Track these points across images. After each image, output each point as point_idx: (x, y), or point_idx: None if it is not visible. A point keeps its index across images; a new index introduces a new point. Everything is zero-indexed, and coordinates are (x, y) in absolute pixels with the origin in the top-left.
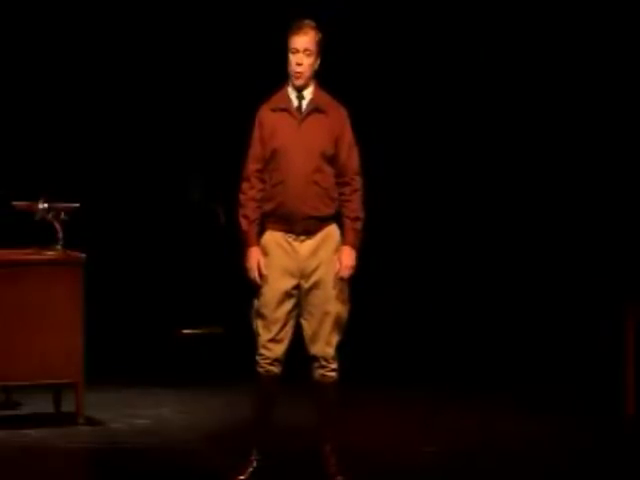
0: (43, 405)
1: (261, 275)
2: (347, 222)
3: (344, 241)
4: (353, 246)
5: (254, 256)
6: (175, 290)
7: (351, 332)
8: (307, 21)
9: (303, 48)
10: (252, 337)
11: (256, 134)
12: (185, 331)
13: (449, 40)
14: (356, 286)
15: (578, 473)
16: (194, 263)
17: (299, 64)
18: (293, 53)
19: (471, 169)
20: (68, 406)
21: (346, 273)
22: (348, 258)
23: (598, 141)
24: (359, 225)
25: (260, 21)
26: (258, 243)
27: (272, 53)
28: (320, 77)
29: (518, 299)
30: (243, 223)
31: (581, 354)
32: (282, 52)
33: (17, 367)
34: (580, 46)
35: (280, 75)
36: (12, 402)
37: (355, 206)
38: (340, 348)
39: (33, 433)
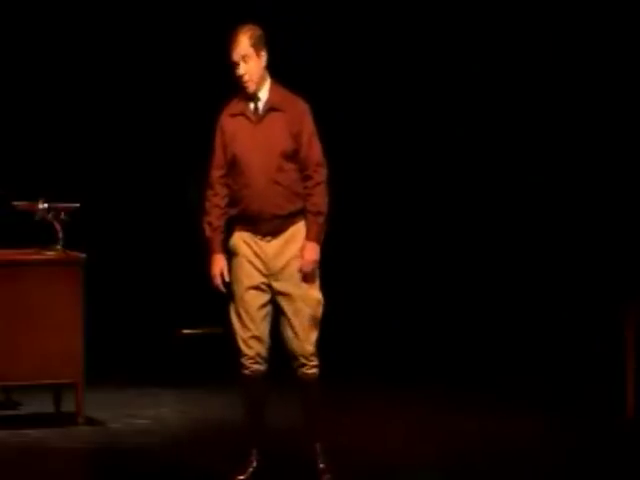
0: (43, 405)
1: (224, 283)
2: (309, 217)
3: (307, 236)
4: (316, 240)
5: (217, 263)
6: (175, 290)
7: (352, 332)
8: (237, 29)
9: (239, 57)
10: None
11: (217, 140)
12: (185, 331)
13: (439, 36)
14: (357, 286)
15: (578, 474)
16: (194, 263)
17: (241, 75)
18: (234, 67)
19: (471, 168)
20: (68, 406)
21: (308, 268)
22: (310, 253)
23: (597, 142)
24: (321, 219)
25: (259, 23)
26: (222, 250)
27: (271, 54)
28: (318, 76)
29: (518, 300)
30: (207, 229)
31: (581, 355)
32: (280, 52)
33: (17, 367)
34: (579, 46)
35: (279, 76)
36: (12, 402)
37: (317, 200)
38: (341, 348)
39: (33, 433)
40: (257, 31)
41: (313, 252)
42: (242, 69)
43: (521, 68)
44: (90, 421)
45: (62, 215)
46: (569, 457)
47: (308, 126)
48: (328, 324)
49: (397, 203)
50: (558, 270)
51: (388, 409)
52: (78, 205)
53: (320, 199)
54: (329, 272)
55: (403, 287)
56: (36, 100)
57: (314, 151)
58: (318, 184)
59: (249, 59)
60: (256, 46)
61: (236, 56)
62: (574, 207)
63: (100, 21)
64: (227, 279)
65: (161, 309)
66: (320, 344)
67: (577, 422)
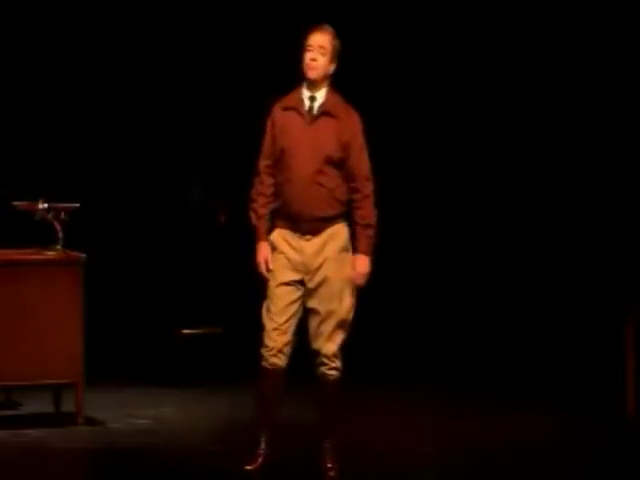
0: (43, 405)
1: (268, 270)
2: (359, 229)
3: (357, 249)
4: (366, 253)
5: (262, 251)
6: (175, 290)
7: (354, 332)
8: (326, 25)
9: (318, 45)
10: (252, 337)
11: (268, 131)
12: (185, 331)
13: (449, 41)
14: (362, 287)
15: (578, 474)
16: (194, 263)
17: (313, 59)
18: (308, 50)
19: (473, 171)
20: (68, 406)
21: (361, 280)
22: (363, 266)
23: (599, 145)
24: (371, 232)
25: (262, 26)
26: (266, 238)
27: (274, 55)
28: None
29: (519, 300)
30: (252, 217)
31: (581, 354)
32: (283, 55)
33: (17, 367)
34: (580, 47)
35: (281, 78)
36: (12, 402)
37: (366, 212)
38: (344, 347)
39: (33, 433)
40: (340, 42)
41: (365, 265)
42: (315, 55)
43: (525, 69)
44: (90, 421)
45: (62, 215)
46: (570, 457)
47: (359, 138)
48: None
49: (400, 204)
50: (560, 271)
51: (393, 410)
52: (78, 205)
53: (369, 212)
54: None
55: (408, 289)
56: (36, 100)
57: (363, 165)
58: (366, 197)
59: (325, 53)
60: (334, 49)
61: (315, 41)
62: (576, 210)
63: (100, 21)
64: (272, 267)
65: (161, 309)
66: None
67: (578, 422)
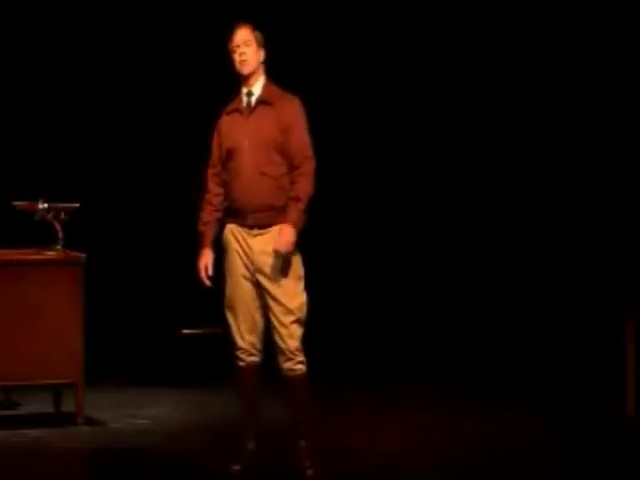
0: (43, 405)
1: (208, 277)
2: (289, 202)
3: (285, 219)
4: (292, 224)
5: (203, 257)
6: (175, 290)
7: (353, 332)
8: (242, 20)
9: (242, 40)
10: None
11: (214, 139)
12: (185, 331)
13: (436, 36)
14: (356, 286)
15: (578, 474)
16: (194, 263)
17: (242, 53)
18: (235, 49)
19: (466, 166)
20: (68, 406)
21: (282, 248)
22: (287, 234)
23: (598, 144)
24: (301, 205)
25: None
26: (210, 245)
27: (271, 55)
28: (313, 77)
29: (518, 299)
30: (199, 225)
31: (581, 354)
32: (279, 53)
33: (17, 367)
34: (578, 46)
35: (277, 76)
36: (12, 402)
37: (299, 187)
38: (336, 349)
39: (33, 433)
40: (258, 31)
41: (289, 234)
42: (242, 49)
43: (519, 67)
44: (90, 421)
45: (62, 215)
46: (569, 457)
47: (298, 120)
48: (327, 324)
49: (391, 201)
50: (559, 270)
51: (385, 410)
52: (78, 205)
53: (302, 187)
54: (328, 271)
55: (401, 287)
56: (36, 100)
57: (303, 144)
58: (302, 174)
59: (250, 43)
60: (257, 38)
61: (239, 38)
62: (576, 209)
63: (100, 21)
64: (210, 273)
65: (161, 309)
66: (319, 345)
67: (577, 422)
